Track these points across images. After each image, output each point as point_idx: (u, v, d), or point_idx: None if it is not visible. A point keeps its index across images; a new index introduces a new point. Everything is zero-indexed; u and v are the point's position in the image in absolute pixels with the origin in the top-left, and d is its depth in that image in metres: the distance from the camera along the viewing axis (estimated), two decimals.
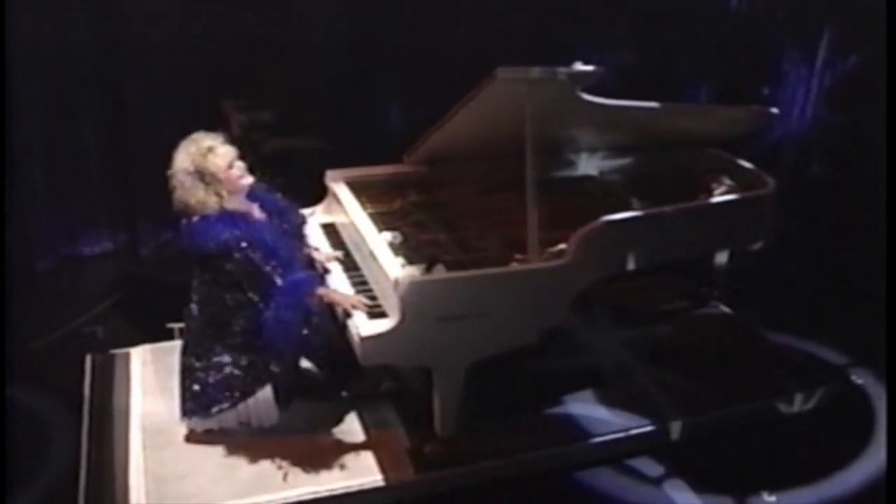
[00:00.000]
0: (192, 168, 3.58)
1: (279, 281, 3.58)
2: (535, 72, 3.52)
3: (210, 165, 3.60)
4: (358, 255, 4.14)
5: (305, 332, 3.66)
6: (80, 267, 5.56)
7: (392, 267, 3.71)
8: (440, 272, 3.74)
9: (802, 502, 3.82)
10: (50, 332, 4.79)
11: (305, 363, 4.17)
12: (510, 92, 3.61)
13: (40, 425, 4.09)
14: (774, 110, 4.58)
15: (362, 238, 4.01)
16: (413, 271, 3.73)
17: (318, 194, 4.64)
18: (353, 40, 5.59)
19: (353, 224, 4.16)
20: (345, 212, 4.29)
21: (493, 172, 4.46)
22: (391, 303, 3.60)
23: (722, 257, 4.89)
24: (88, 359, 4.45)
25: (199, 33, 5.26)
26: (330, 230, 4.43)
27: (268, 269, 3.58)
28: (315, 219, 4.47)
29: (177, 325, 4.29)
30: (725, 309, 5.05)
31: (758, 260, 5.40)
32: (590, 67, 3.62)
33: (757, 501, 3.80)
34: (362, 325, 3.60)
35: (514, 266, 3.75)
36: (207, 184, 3.60)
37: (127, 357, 4.48)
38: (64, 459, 3.85)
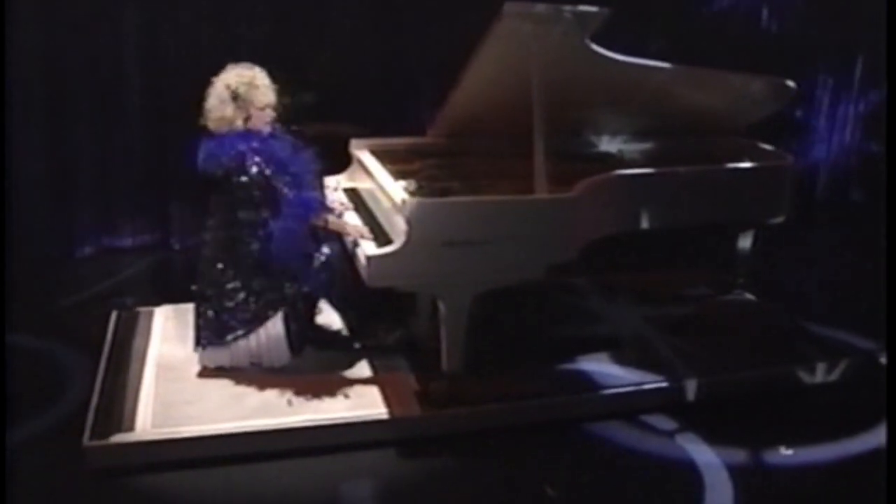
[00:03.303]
0: (233, 86, 3.80)
1: (289, 193, 3.71)
2: (540, 7, 3.65)
3: (250, 96, 3.81)
4: (375, 206, 4.23)
5: (315, 258, 3.83)
6: (118, 256, 5.75)
7: (400, 193, 3.80)
8: None
9: (818, 458, 3.72)
10: (79, 292, 4.99)
11: (321, 319, 4.27)
12: (517, 34, 3.70)
13: (63, 370, 4.21)
14: (792, 83, 4.58)
15: (380, 187, 4.10)
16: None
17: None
18: (394, 30, 5.84)
19: (372, 179, 4.26)
20: (366, 173, 4.40)
21: (512, 146, 4.53)
22: (399, 230, 3.68)
23: (745, 242, 4.85)
24: (114, 314, 4.58)
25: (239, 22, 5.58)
26: (352, 195, 4.54)
27: (279, 182, 3.73)
28: (339, 184, 4.60)
29: None
30: (749, 296, 4.99)
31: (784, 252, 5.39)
32: (595, 9, 3.73)
33: (773, 455, 3.71)
34: (369, 249, 3.68)
35: (520, 195, 3.82)
36: (238, 107, 3.80)
37: (150, 313, 4.61)
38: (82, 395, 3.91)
